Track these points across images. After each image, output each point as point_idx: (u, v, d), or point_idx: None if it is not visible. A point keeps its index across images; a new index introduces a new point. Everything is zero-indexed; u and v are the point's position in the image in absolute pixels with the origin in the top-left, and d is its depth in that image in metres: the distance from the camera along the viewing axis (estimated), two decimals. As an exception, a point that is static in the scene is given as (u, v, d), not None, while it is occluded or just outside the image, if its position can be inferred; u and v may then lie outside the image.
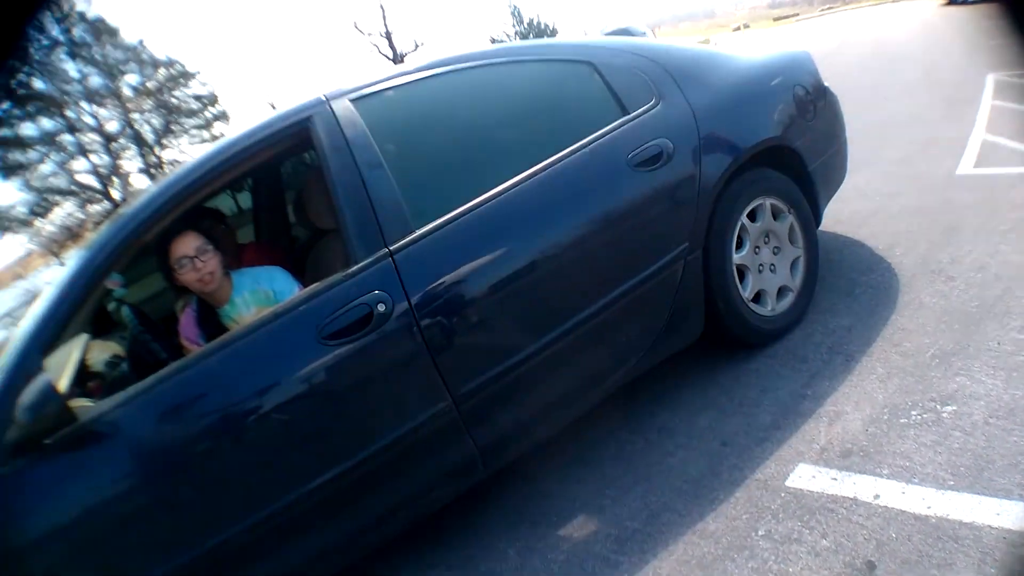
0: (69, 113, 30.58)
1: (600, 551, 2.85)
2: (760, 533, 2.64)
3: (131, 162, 33.49)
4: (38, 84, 29.47)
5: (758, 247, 3.59)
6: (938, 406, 2.83)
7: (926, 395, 2.91)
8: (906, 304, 3.49)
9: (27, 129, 29.79)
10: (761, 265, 3.59)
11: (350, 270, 2.75)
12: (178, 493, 2.60)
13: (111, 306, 3.14)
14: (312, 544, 2.72)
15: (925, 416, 2.82)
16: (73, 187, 31.51)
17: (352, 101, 3.00)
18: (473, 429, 2.88)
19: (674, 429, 3.33)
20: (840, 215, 4.44)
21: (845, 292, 3.80)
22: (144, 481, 2.56)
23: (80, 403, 2.60)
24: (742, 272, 3.52)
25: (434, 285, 2.81)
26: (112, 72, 31.69)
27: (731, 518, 2.76)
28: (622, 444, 3.36)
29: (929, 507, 2.46)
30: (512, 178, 3.05)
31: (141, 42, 32.90)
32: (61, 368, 2.59)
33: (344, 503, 2.74)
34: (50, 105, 29.67)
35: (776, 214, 3.65)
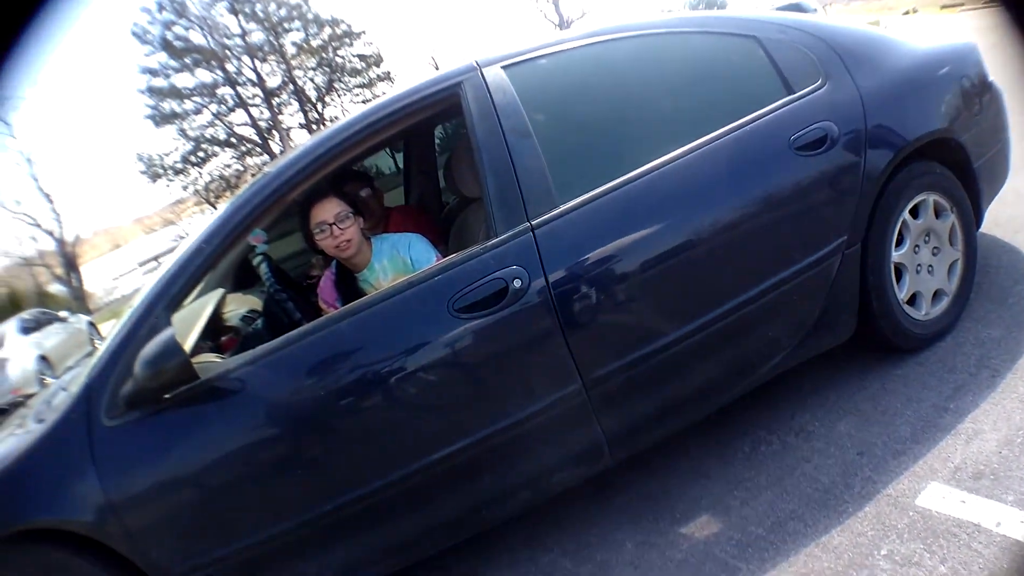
0: (229, 67, 31.66)
1: (720, 555, 2.74)
2: (883, 552, 2.51)
3: (292, 117, 34.49)
4: (196, 38, 30.56)
5: (917, 246, 3.34)
6: None
7: None
8: None
9: (184, 80, 31.08)
10: (919, 265, 3.35)
11: (489, 242, 2.70)
12: (296, 456, 2.64)
13: (255, 261, 3.20)
14: (428, 517, 2.73)
15: None
16: (232, 139, 32.78)
17: (504, 68, 2.93)
18: (602, 415, 2.80)
19: (813, 433, 3.16)
20: (998, 218, 4.09)
21: (998, 301, 3.51)
22: (263, 440, 2.61)
23: (209, 358, 2.65)
24: (899, 271, 3.29)
25: (574, 264, 2.72)
26: (275, 29, 32.53)
27: (856, 533, 2.62)
28: (757, 444, 3.21)
29: None
30: (665, 155, 2.91)
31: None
32: (192, 323, 2.65)
33: (464, 478, 2.72)
34: (209, 58, 30.78)
35: (939, 212, 3.38)
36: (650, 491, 3.18)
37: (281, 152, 30.49)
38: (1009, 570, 2.13)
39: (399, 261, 3.11)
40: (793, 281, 3.02)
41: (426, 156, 4.74)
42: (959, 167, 3.44)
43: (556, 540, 3.08)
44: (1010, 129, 3.72)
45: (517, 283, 2.63)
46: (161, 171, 31.34)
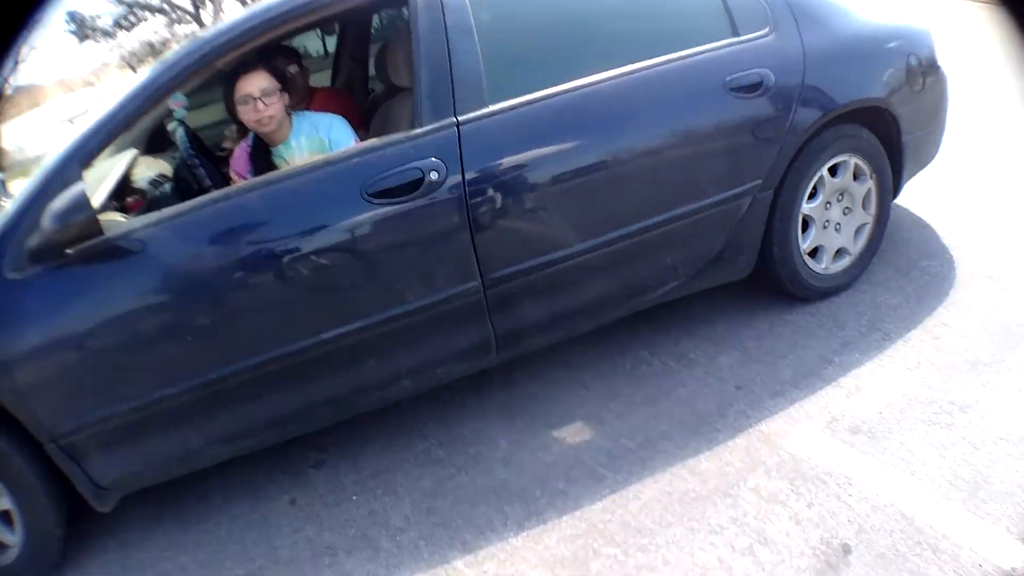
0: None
1: (588, 461, 2.88)
2: (748, 485, 2.65)
3: (228, -10, 32.65)
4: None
5: (829, 203, 3.46)
6: (956, 411, 2.76)
7: (947, 396, 2.83)
8: (955, 302, 3.35)
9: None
10: (827, 222, 3.46)
11: (412, 132, 2.71)
12: (188, 323, 2.66)
13: (171, 126, 3.13)
14: (312, 394, 2.80)
15: (940, 417, 2.75)
16: (165, 5, 31.03)
17: None
18: (495, 315, 2.88)
19: (694, 361, 3.30)
20: (918, 195, 4.23)
21: (901, 272, 3.66)
22: (159, 303, 2.62)
23: (112, 217, 2.63)
24: (806, 223, 3.40)
25: (493, 165, 2.76)
26: None
27: (724, 462, 2.76)
28: (639, 363, 3.35)
29: (918, 508, 2.43)
30: (602, 72, 2.94)
31: None
32: (101, 181, 2.61)
33: (350, 360, 2.79)
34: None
35: (857, 175, 3.49)
36: (529, 394, 3.30)
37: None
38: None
39: (317, 140, 3.09)
40: (701, 214, 3.11)
41: (360, 42, 4.67)
42: (888, 138, 3.54)
43: (433, 430, 3.20)
44: (947, 113, 3.83)
45: (434, 175, 2.66)
46: (90, 32, 29.70)
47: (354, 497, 2.94)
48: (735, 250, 3.28)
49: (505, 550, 2.62)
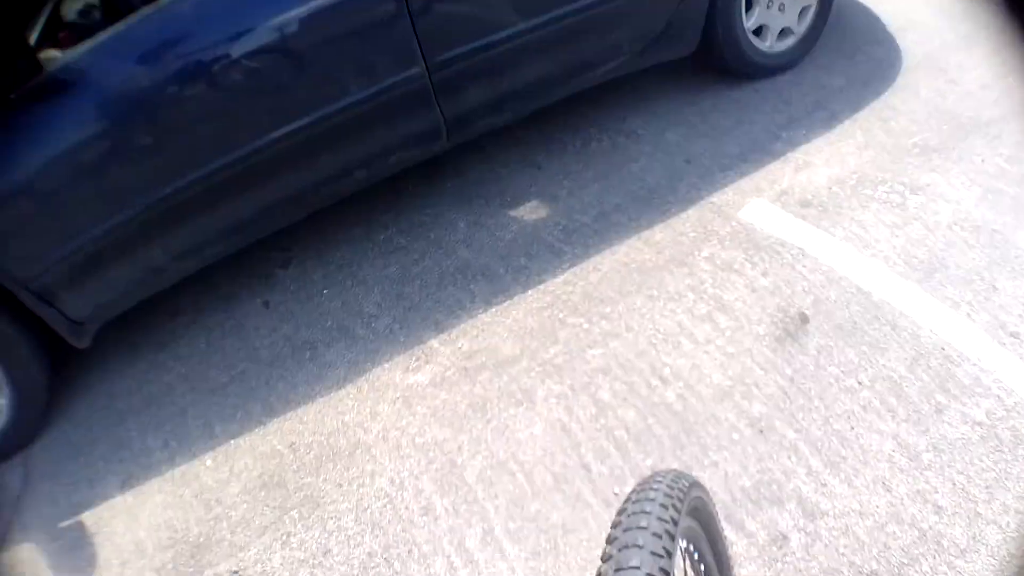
0: None
1: (547, 238, 2.98)
2: (703, 254, 2.75)
3: None
4: None
5: (773, -18, 3.39)
6: (907, 192, 2.84)
7: (897, 177, 2.90)
8: (902, 87, 3.38)
9: None
10: (771, 1, 3.40)
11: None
12: (137, 141, 2.59)
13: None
14: (267, 196, 2.79)
15: (891, 197, 2.83)
16: None
17: None
18: (443, 99, 2.86)
19: (642, 137, 3.35)
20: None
21: (846, 56, 3.64)
22: (104, 129, 2.54)
23: (49, 53, 2.51)
24: (750, 1, 3.34)
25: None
26: None
27: (678, 233, 2.86)
28: (588, 141, 3.39)
29: (875, 284, 2.53)
30: None
31: None
32: (32, 21, 2.47)
33: (302, 157, 2.77)
34: None
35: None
36: (482, 176, 3.34)
37: None
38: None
39: None
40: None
41: None
42: None
43: (392, 220, 3.24)
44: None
45: None
46: None
47: (325, 291, 3.01)
48: (680, 27, 3.22)
49: (476, 326, 2.75)
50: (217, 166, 2.64)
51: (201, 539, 2.38)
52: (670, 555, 1.04)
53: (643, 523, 1.09)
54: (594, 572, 1.07)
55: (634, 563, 1.02)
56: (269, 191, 2.79)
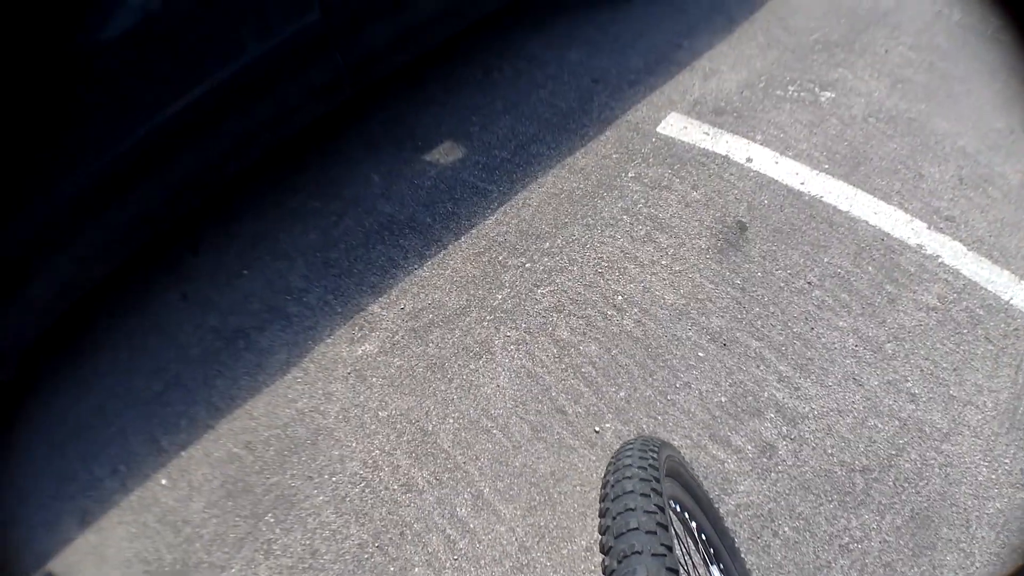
0: None
1: (469, 178, 2.84)
2: (630, 175, 2.70)
3: None
4: None
5: None
6: (817, 89, 2.85)
7: (805, 75, 2.91)
8: None
9: None
10: None
11: None
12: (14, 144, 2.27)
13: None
14: (172, 177, 2.53)
15: (803, 95, 2.84)
16: None
17: None
18: (341, 45, 2.65)
19: (545, 60, 3.22)
20: None
21: None
22: None
23: None
24: None
25: None
26: None
27: (601, 156, 2.79)
28: (489, 71, 3.24)
29: (803, 183, 2.55)
30: None
31: None
32: None
33: (208, 126, 2.51)
34: None
35: None
36: (386, 122, 3.15)
37: None
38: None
39: None
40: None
41: None
42: None
43: (301, 183, 3.02)
44: None
45: None
46: None
47: (244, 272, 2.78)
48: None
49: (415, 283, 2.62)
50: (115, 154, 2.35)
51: (177, 566, 2.21)
52: (666, 528, 1.06)
53: (631, 504, 1.10)
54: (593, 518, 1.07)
55: (636, 548, 1.03)
56: (175, 172, 2.52)
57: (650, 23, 3.29)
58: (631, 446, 1.28)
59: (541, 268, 2.55)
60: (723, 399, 2.18)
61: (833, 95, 2.82)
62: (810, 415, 2.12)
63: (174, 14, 2.33)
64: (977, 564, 1.89)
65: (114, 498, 2.41)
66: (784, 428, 2.11)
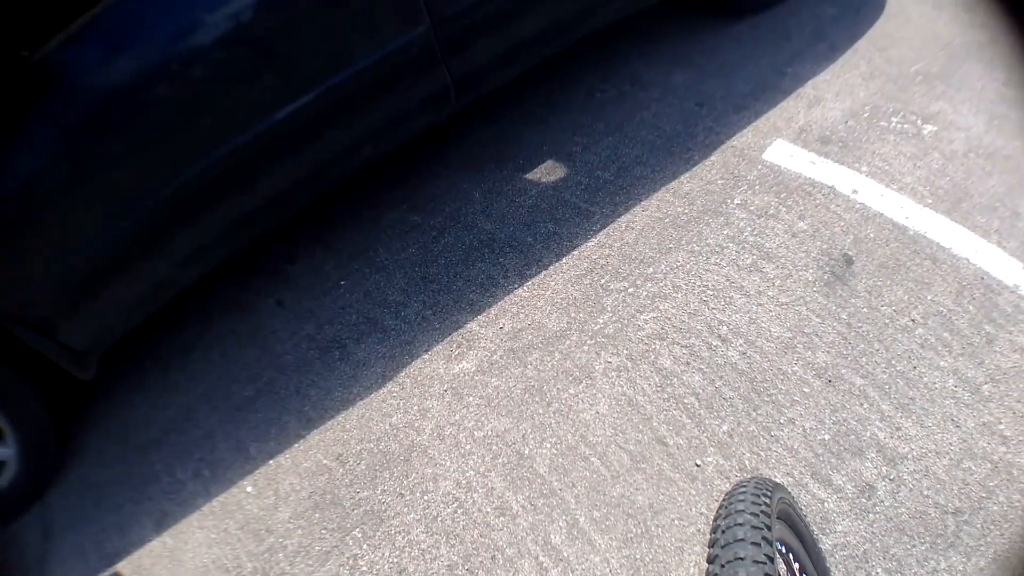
0: None
1: (571, 199, 2.79)
2: (736, 202, 2.62)
3: None
4: None
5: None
6: (919, 121, 2.75)
7: (908, 107, 2.81)
8: (895, 14, 3.25)
9: None
10: None
11: None
12: (132, 137, 2.27)
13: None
14: (276, 181, 2.52)
15: (906, 127, 2.74)
16: None
17: None
18: (449, 59, 2.63)
19: (649, 82, 3.15)
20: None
21: None
22: (95, 127, 2.22)
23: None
24: None
25: None
26: None
27: (706, 181, 2.71)
28: (592, 91, 3.18)
29: (907, 218, 2.46)
30: None
31: None
32: None
33: (310, 135, 2.50)
34: None
35: None
36: (488, 140, 3.11)
37: None
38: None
39: None
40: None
41: None
42: None
43: (401, 196, 2.99)
44: None
45: None
46: None
47: (342, 283, 2.76)
48: None
49: (515, 302, 2.56)
50: (220, 156, 2.35)
51: (257, 575, 2.16)
52: (772, 561, 1.10)
53: (741, 553, 1.13)
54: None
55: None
56: (275, 178, 2.51)
57: (754, 48, 3.21)
58: (744, 489, 1.28)
59: (644, 294, 2.47)
60: (826, 437, 2.09)
61: (935, 128, 2.73)
62: (909, 456, 2.04)
63: (286, 21, 2.33)
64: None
65: (196, 502, 2.39)
66: (884, 468, 2.02)
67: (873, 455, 2.04)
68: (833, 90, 2.93)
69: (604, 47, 3.34)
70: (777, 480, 1.90)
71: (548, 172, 2.91)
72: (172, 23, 2.23)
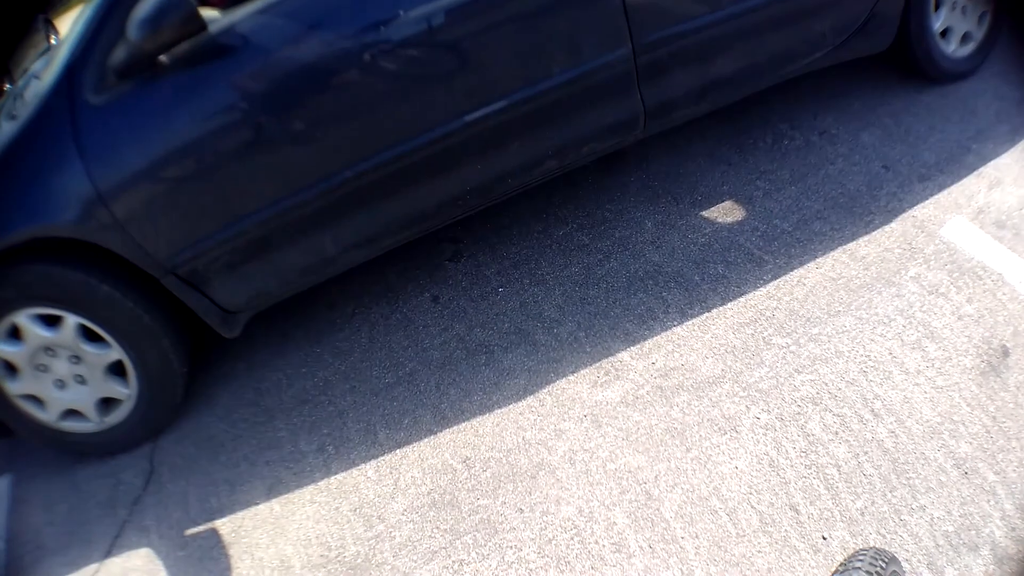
0: None
1: (745, 244, 2.71)
2: (910, 274, 2.51)
3: None
4: None
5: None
6: None
7: None
8: None
9: None
10: (955, 2, 3.17)
11: None
12: (314, 116, 2.37)
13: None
14: (449, 186, 2.56)
15: None
16: None
17: None
18: (645, 85, 2.61)
19: (837, 137, 3.07)
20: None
21: (1019, 66, 3.35)
22: (276, 101, 2.31)
23: (206, 12, 2.25)
24: (938, 2, 3.11)
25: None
26: None
27: (884, 248, 2.60)
28: (780, 138, 3.11)
29: None
30: None
31: None
32: None
33: (497, 142, 2.53)
34: None
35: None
36: (668, 171, 3.07)
37: None
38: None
39: None
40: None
41: None
42: None
43: (571, 214, 2.98)
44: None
45: None
46: None
47: (500, 289, 2.77)
48: (879, 21, 2.99)
49: (671, 339, 2.49)
50: (405, 149, 2.40)
51: (359, 560, 2.17)
52: None
53: None
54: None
55: None
56: (454, 180, 2.55)
57: (942, 119, 3.09)
58: (863, 557, 1.35)
59: (806, 354, 2.36)
60: (950, 528, 1.96)
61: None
62: (1016, 557, 1.90)
63: (486, 28, 2.36)
64: None
65: (313, 476, 2.43)
66: (991, 567, 1.88)
67: (986, 552, 1.91)
68: (1012, 174, 2.79)
69: (796, 95, 3.27)
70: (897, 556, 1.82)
71: (725, 213, 2.83)
72: (370, 12, 2.29)
